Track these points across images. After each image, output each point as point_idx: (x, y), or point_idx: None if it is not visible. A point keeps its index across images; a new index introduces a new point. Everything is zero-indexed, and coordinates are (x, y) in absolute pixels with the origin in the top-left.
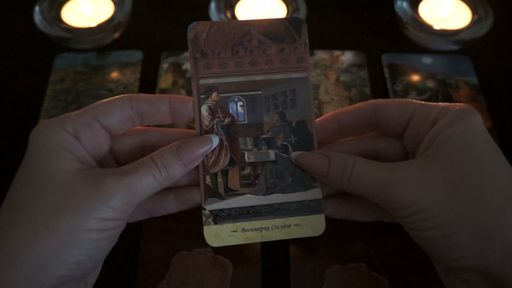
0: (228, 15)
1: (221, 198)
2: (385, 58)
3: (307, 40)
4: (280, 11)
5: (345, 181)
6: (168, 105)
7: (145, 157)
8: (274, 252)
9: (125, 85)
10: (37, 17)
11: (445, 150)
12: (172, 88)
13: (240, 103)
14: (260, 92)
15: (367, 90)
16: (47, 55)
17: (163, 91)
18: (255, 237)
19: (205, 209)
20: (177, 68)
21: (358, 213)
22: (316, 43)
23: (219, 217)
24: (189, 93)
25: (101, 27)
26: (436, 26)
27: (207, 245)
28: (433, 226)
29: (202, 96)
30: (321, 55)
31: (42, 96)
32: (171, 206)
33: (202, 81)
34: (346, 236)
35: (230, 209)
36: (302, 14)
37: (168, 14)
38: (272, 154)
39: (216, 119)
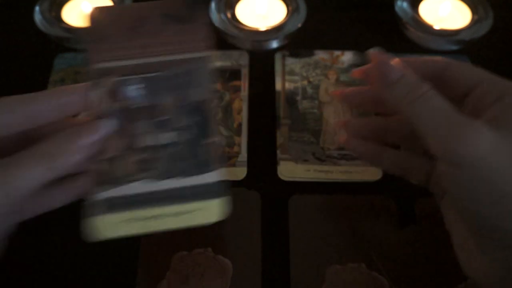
0: (228, 15)
1: (113, 184)
2: None
3: (208, 19)
4: (280, 11)
5: (410, 98)
6: (57, 99)
7: (30, 146)
8: (274, 252)
9: None
10: (37, 17)
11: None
12: None
13: (138, 86)
14: (159, 74)
15: None
16: (47, 55)
17: None
18: (150, 226)
19: (94, 198)
20: None
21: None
22: (316, 43)
23: (111, 205)
24: None
25: None
26: (436, 26)
27: (207, 245)
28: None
29: (97, 81)
30: (321, 55)
31: None
32: (59, 197)
33: (98, 65)
34: (346, 236)
35: (123, 197)
36: (302, 14)
37: None
38: (169, 136)
39: (112, 103)
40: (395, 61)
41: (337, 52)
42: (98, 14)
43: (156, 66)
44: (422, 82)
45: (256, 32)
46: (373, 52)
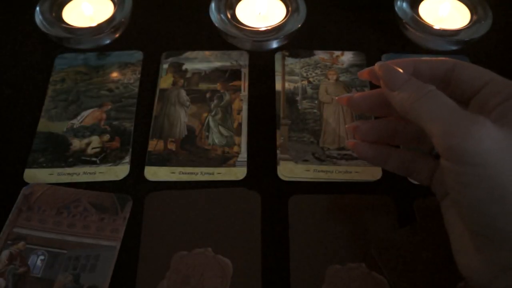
0: (228, 15)
1: None
2: (385, 58)
3: (127, 215)
4: (280, 11)
5: (415, 97)
6: None
7: None
8: (274, 252)
9: (125, 85)
10: (38, 17)
11: None
12: (172, 88)
13: (41, 257)
14: (65, 252)
15: (367, 90)
16: (47, 55)
17: (163, 91)
18: None
19: None
20: (177, 68)
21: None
22: (316, 43)
23: None
24: (189, 93)
25: (101, 27)
26: (436, 26)
27: (207, 245)
28: (488, 187)
29: (10, 242)
30: (321, 55)
31: (43, 96)
32: None
33: (16, 229)
34: (346, 236)
35: None
36: (302, 14)
37: (168, 14)
38: None
39: (12, 266)
40: (400, 63)
41: (337, 52)
42: (37, 189)
43: (68, 245)
44: (426, 84)
45: (256, 32)
46: (378, 63)
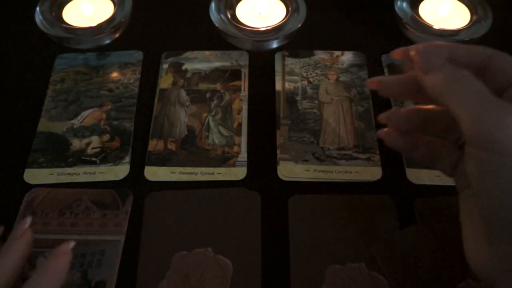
0: (228, 15)
1: None
2: (385, 59)
3: (129, 208)
4: (280, 11)
5: (449, 81)
6: None
7: None
8: (274, 252)
9: (125, 85)
10: (38, 17)
11: None
12: (172, 88)
13: None
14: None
15: (367, 90)
16: (47, 55)
17: (163, 91)
18: None
19: None
20: (177, 68)
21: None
22: (316, 43)
23: None
24: (189, 93)
25: (101, 27)
26: (436, 26)
27: (207, 245)
28: None
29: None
30: (321, 55)
31: (43, 97)
32: None
33: None
34: (346, 236)
35: None
36: (302, 14)
37: (168, 14)
38: None
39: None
40: (436, 46)
41: (337, 52)
42: (40, 193)
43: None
44: (461, 69)
45: (256, 32)
46: (414, 45)
